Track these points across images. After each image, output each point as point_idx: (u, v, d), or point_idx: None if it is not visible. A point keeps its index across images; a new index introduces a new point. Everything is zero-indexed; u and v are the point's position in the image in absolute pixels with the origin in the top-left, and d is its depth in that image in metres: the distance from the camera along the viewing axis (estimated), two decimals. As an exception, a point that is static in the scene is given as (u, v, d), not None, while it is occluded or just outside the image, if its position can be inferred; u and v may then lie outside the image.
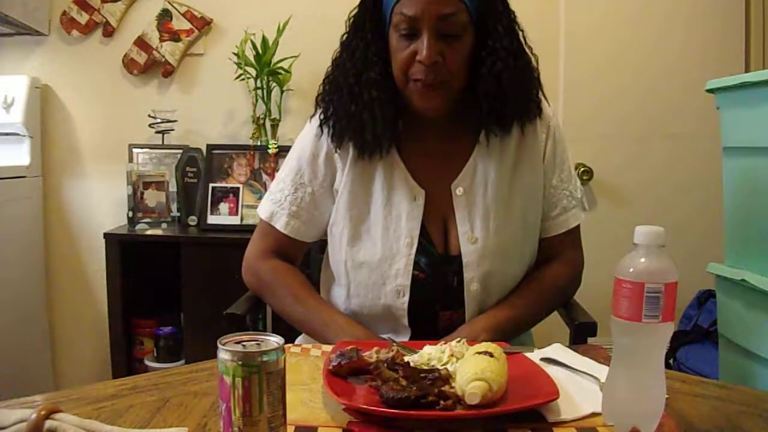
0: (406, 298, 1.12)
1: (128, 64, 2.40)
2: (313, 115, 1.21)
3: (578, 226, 1.24)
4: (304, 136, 1.23)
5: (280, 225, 1.21)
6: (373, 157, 1.14)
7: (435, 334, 1.11)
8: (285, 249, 1.24)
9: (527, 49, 1.14)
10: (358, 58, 1.11)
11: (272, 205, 1.22)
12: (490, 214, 1.13)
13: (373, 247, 1.14)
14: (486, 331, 1.08)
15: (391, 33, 1.08)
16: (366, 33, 1.11)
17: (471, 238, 1.13)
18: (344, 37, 1.16)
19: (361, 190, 1.16)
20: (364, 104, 1.10)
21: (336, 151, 1.17)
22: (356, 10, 1.14)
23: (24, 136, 2.30)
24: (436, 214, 1.15)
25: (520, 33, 1.13)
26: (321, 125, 1.16)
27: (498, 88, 1.08)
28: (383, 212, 1.14)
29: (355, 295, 1.17)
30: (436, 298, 1.14)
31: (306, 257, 1.33)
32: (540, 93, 1.17)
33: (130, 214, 2.23)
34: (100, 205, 2.46)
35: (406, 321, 1.14)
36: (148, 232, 2.20)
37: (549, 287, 1.20)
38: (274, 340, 0.67)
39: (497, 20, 1.09)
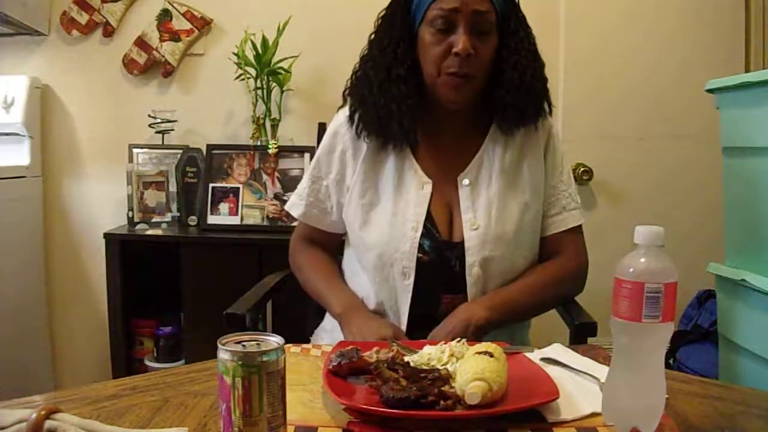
0: (411, 280, 1.18)
1: (128, 64, 2.40)
2: (341, 107, 1.29)
3: (580, 227, 1.28)
4: (327, 132, 1.32)
5: (298, 214, 1.33)
6: (393, 150, 1.22)
7: (435, 321, 1.16)
8: (313, 236, 1.35)
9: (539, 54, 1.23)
10: (389, 55, 1.18)
11: (295, 197, 1.35)
12: (492, 205, 1.20)
13: (381, 231, 1.21)
14: (486, 309, 1.13)
15: (424, 30, 1.16)
16: (396, 32, 1.19)
17: (474, 224, 1.19)
18: (373, 35, 1.23)
19: (372, 181, 1.24)
20: (393, 98, 1.17)
21: (350, 150, 1.26)
22: (386, 11, 1.22)
23: (24, 136, 2.30)
24: (442, 203, 1.22)
25: (533, 38, 1.22)
26: (351, 116, 1.24)
27: (522, 84, 1.17)
28: (393, 200, 1.22)
29: (365, 277, 1.24)
30: (439, 281, 1.19)
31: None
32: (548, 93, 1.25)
33: (130, 214, 2.23)
34: (100, 205, 2.45)
35: (408, 305, 1.18)
36: (148, 232, 2.20)
37: (550, 277, 1.24)
38: (274, 340, 0.67)
39: (518, 24, 1.19)
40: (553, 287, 1.24)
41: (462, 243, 1.18)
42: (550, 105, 1.25)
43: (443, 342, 0.94)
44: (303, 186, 1.33)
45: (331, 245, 1.37)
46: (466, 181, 1.22)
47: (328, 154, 1.29)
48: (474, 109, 1.22)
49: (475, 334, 1.10)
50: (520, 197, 1.22)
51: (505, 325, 1.19)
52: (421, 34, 1.17)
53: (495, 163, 1.23)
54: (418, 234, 1.18)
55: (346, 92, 1.26)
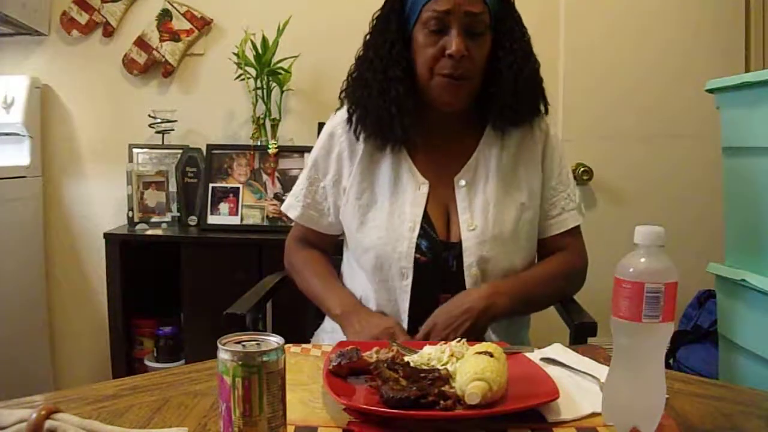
0: (410, 281, 1.18)
1: (128, 64, 2.40)
2: (338, 109, 1.29)
3: (579, 227, 1.29)
4: (323, 133, 1.32)
5: (295, 215, 1.33)
6: (391, 151, 1.22)
7: None
8: (309, 237, 1.35)
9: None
10: (384, 56, 1.18)
11: (291, 198, 1.34)
12: (489, 205, 1.20)
13: (378, 232, 1.20)
14: (507, 296, 1.15)
15: (418, 31, 1.16)
16: (391, 33, 1.19)
17: (471, 225, 1.19)
18: (368, 37, 1.23)
19: (368, 182, 1.24)
20: (392, 100, 1.17)
21: (346, 151, 1.25)
22: (380, 12, 1.22)
23: (24, 136, 2.30)
24: (439, 203, 1.22)
25: (529, 38, 1.22)
26: (349, 118, 1.23)
27: (517, 84, 1.17)
28: (389, 200, 1.22)
29: (364, 278, 1.24)
30: (437, 281, 1.19)
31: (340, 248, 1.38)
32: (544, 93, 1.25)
33: (130, 214, 2.23)
34: (100, 205, 2.45)
35: (407, 305, 1.18)
36: (148, 232, 2.20)
37: (559, 270, 1.25)
38: (274, 340, 0.67)
39: (513, 24, 1.19)
40: (561, 280, 1.26)
41: (459, 243, 1.18)
42: (546, 105, 1.25)
43: (443, 342, 0.94)
44: (300, 188, 1.32)
45: (327, 246, 1.37)
46: (462, 182, 1.22)
47: (325, 156, 1.29)
48: (469, 109, 1.22)
49: (490, 320, 1.13)
50: (516, 198, 1.22)
51: (513, 317, 1.21)
52: (415, 35, 1.16)
53: (491, 164, 1.23)
54: (415, 234, 1.18)
55: (342, 94, 1.26)
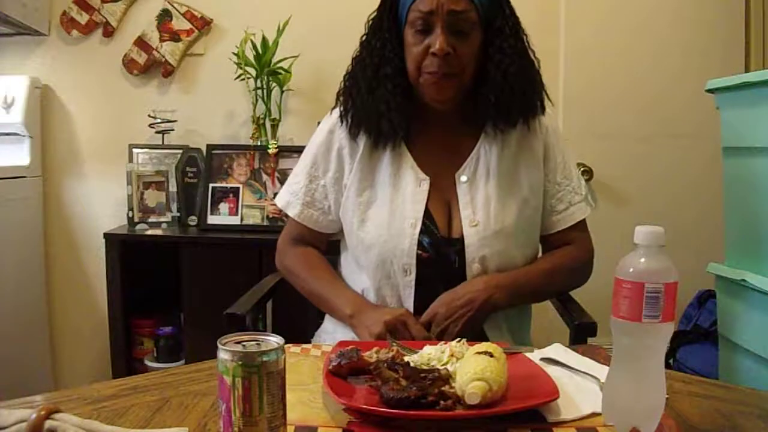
0: (413, 276, 1.18)
1: (128, 64, 2.40)
2: (334, 107, 1.29)
3: (585, 221, 1.31)
4: (321, 130, 1.32)
5: (294, 213, 1.31)
6: (385, 147, 1.23)
7: None
8: (305, 236, 1.33)
9: (531, 52, 1.22)
10: (376, 55, 1.20)
11: (288, 196, 1.33)
12: (491, 201, 1.21)
13: (380, 229, 1.21)
14: (507, 292, 1.17)
15: (407, 31, 1.18)
16: (383, 33, 1.21)
17: (473, 221, 1.19)
18: (363, 37, 1.25)
19: (369, 179, 1.24)
20: (380, 97, 1.19)
21: (346, 148, 1.25)
22: (375, 13, 1.24)
23: (24, 136, 2.30)
24: (441, 199, 1.22)
25: (525, 36, 1.22)
26: (341, 116, 1.25)
27: (504, 82, 1.17)
28: (390, 197, 1.22)
29: (366, 275, 1.24)
30: (440, 278, 1.19)
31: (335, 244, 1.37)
32: (543, 92, 1.25)
33: (130, 214, 2.23)
34: (100, 205, 2.46)
35: (412, 300, 1.19)
36: (148, 232, 2.20)
37: (557, 263, 1.27)
38: (274, 340, 0.67)
39: (504, 22, 1.19)
40: (565, 273, 1.27)
41: (461, 239, 1.19)
42: (542, 103, 1.24)
43: (443, 342, 0.94)
44: (299, 185, 1.31)
45: (323, 245, 1.36)
46: (464, 178, 1.22)
47: (325, 153, 1.28)
48: (466, 106, 1.22)
49: (490, 311, 1.16)
50: (518, 194, 1.22)
51: (514, 307, 1.23)
52: (405, 35, 1.18)
53: (492, 160, 1.23)
54: (417, 231, 1.19)
55: (339, 92, 1.27)
